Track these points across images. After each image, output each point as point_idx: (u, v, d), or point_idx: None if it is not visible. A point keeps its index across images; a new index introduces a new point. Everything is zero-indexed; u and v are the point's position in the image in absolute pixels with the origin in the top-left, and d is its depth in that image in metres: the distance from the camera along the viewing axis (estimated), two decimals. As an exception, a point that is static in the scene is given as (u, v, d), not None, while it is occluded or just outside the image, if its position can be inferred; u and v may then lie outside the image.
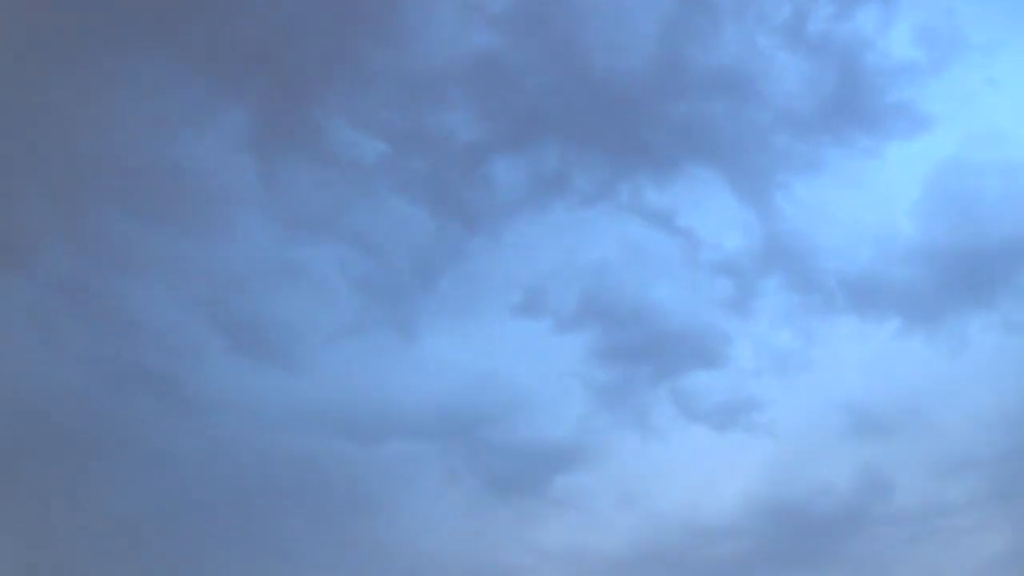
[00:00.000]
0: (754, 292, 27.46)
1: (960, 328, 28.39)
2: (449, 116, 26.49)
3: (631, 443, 27.88)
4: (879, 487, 32.28)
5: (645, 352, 27.35)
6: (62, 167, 26.05)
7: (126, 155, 26.50)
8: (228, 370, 26.75)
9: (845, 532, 33.53)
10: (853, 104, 27.20)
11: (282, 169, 26.59)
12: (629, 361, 27.37)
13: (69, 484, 25.46)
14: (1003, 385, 29.76)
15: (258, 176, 26.42)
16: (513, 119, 26.49)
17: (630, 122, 26.61)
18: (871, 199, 27.90)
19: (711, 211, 27.42)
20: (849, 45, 27.19)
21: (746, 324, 27.57)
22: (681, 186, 27.07)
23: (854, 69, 26.99)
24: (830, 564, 34.30)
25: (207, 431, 26.62)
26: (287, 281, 26.99)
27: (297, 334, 26.93)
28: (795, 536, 32.97)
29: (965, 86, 27.96)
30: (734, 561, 33.26)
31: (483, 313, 27.70)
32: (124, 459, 26.19)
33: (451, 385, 27.35)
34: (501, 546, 28.37)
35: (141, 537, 25.75)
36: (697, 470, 28.82)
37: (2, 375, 25.14)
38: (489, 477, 27.59)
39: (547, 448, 27.48)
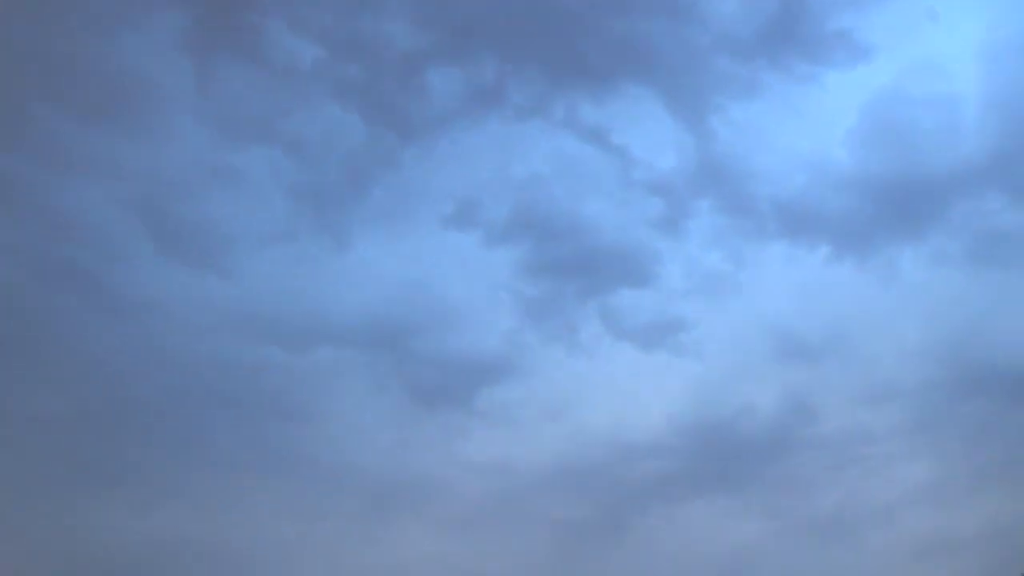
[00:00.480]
0: (686, 213, 27.56)
1: (890, 258, 28.65)
2: (387, 24, 26.24)
3: (558, 358, 28.09)
4: (803, 412, 32.72)
5: (575, 268, 27.48)
6: (-6, 61, 25.70)
7: (61, 52, 26.15)
8: (158, 272, 26.63)
9: (768, 455, 34.02)
10: (793, 30, 27.17)
11: (218, 72, 26.33)
12: (559, 276, 27.50)
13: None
14: (931, 317, 30.16)
15: (194, 78, 26.18)
16: (451, 29, 26.29)
17: (569, 38, 26.50)
18: (807, 126, 27.99)
19: (646, 130, 27.41)
20: (792, -29, 27.10)
21: (677, 244, 27.70)
22: (617, 104, 27.04)
23: (795, -5, 26.97)
24: (752, 486, 34.79)
25: (135, 333, 26.54)
26: (220, 185, 26.83)
27: (228, 238, 26.83)
28: (718, 457, 33.41)
29: (906, 18, 27.99)
30: (658, 479, 33.68)
31: (415, 223, 27.68)
32: (50, 358, 26.08)
33: (381, 294, 27.40)
34: (427, 457, 28.61)
35: (66, 439, 25.75)
36: (623, 388, 29.08)
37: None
38: (416, 388, 27.71)
39: (474, 361, 27.64)
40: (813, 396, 36.34)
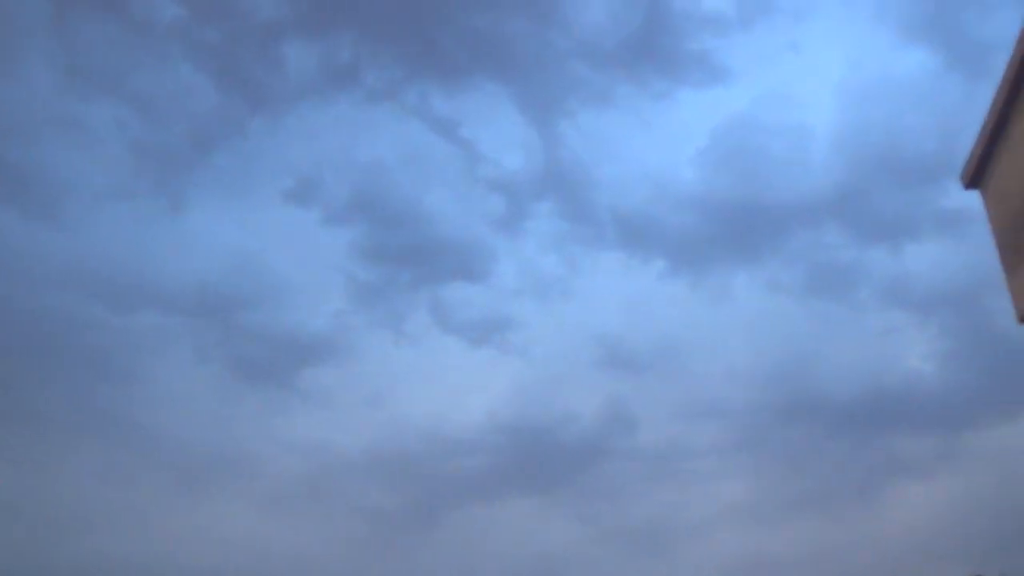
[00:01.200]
0: (526, 214, 27.67)
1: (725, 280, 29.11)
2: (251, -9, 25.77)
3: (384, 345, 28.04)
4: (624, 422, 33.10)
5: (410, 257, 27.42)
6: None
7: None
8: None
9: (586, 462, 34.34)
10: (654, 46, 27.38)
11: (75, 17, 25.65)
12: (392, 263, 27.41)
13: None
14: (760, 341, 30.69)
15: (50, 20, 25.44)
16: (314, 5, 25.95)
17: (429, 27, 26.37)
18: (657, 141, 28.32)
19: (496, 127, 27.48)
20: (662, -13, 27.25)
21: (513, 244, 27.85)
22: (470, 98, 27.03)
23: (661, 12, 27.16)
24: (568, 491, 35.07)
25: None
26: (62, 133, 26.18)
27: (65, 190, 26.21)
28: (536, 459, 33.60)
29: (768, 46, 28.46)
30: (473, 476, 33.78)
31: (254, 194, 27.38)
32: None
33: (212, 263, 27.04)
34: (245, 433, 28.30)
35: None
36: (446, 381, 29.12)
37: None
38: (239, 361, 27.38)
39: (300, 339, 27.45)
40: (635, 407, 36.52)
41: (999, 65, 10.57)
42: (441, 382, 28.95)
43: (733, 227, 28.66)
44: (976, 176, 11.38)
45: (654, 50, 27.58)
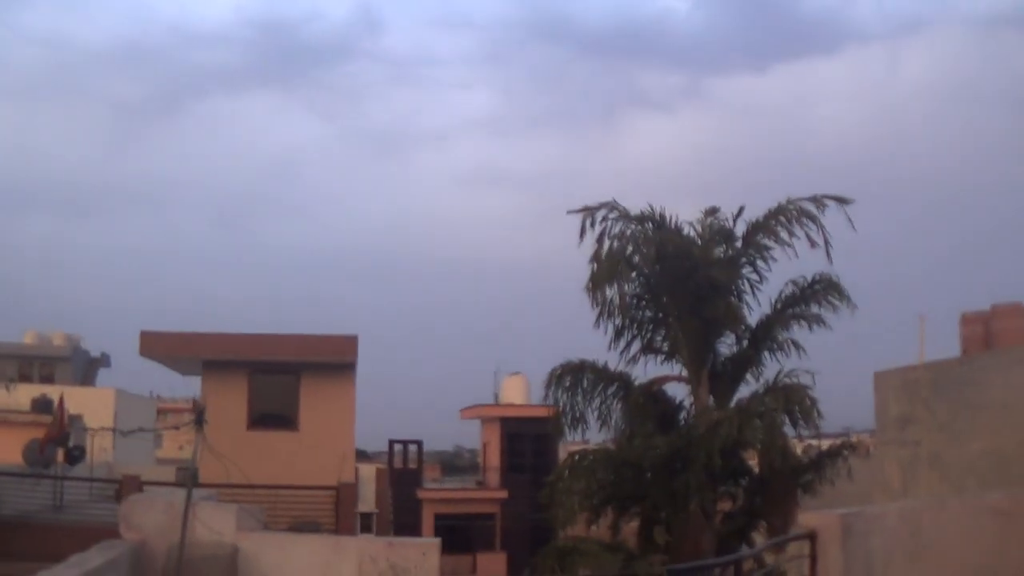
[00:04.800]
0: None
1: None
2: None
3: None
4: (372, 24, 37.32)
5: None
6: None
7: None
8: None
9: (330, 60, 35.31)
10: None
11: None
12: None
13: None
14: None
15: None
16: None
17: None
18: None
19: None
20: None
21: None
22: None
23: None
24: (310, 89, 38.98)
25: None
26: None
27: None
28: (281, 55, 31.98)
29: None
30: (218, 69, 34.49)
31: None
32: None
33: None
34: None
35: None
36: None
37: None
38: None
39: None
40: (385, 10, 35.15)
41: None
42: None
43: None
44: None
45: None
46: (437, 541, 8.77)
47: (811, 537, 7.59)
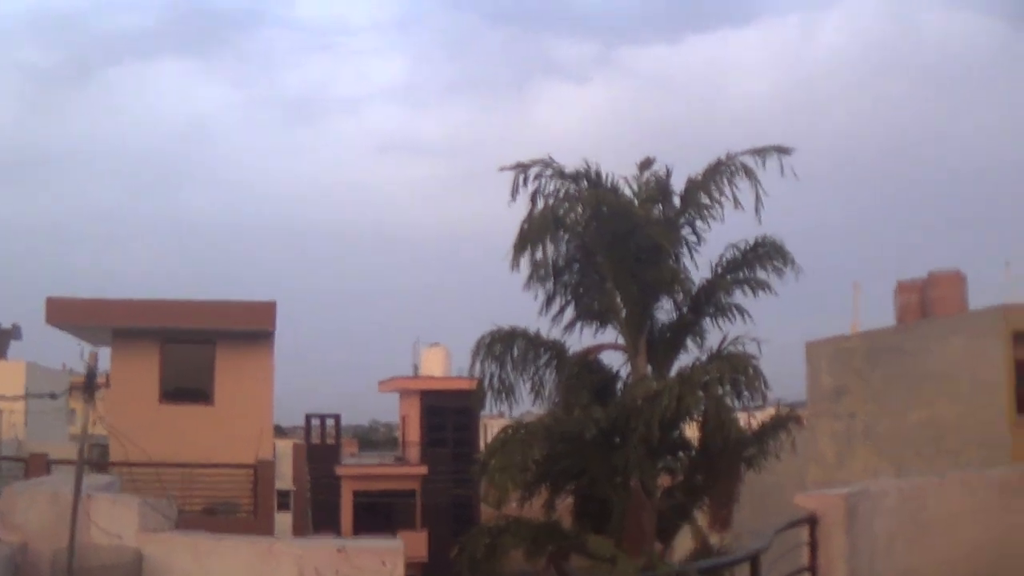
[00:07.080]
0: None
1: None
2: None
3: None
4: None
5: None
6: None
7: None
8: None
9: (243, 26, 38.62)
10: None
11: None
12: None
13: None
14: None
15: None
16: None
17: None
18: None
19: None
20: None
21: None
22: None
23: None
24: (223, 56, 39.99)
25: None
26: None
27: None
28: (194, 20, 31.05)
29: None
30: (130, 35, 31.92)
31: None
32: None
33: None
34: None
35: None
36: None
37: None
38: None
39: None
40: None
41: None
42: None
43: None
44: None
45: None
46: (400, 545, 7.09)
47: (811, 522, 6.68)
